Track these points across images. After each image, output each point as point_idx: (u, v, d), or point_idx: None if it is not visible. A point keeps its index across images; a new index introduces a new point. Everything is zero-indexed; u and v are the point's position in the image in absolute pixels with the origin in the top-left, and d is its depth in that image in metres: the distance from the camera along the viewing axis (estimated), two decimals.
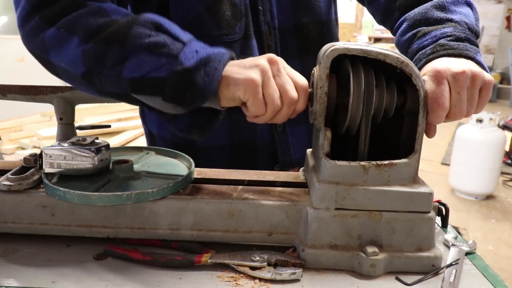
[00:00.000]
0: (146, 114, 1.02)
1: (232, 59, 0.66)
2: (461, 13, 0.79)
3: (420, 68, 0.72)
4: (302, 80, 0.65)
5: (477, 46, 0.75)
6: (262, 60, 0.64)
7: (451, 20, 0.77)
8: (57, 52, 0.67)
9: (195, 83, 0.62)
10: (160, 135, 0.98)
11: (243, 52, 0.86)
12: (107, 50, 0.63)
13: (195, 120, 0.70)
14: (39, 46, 0.68)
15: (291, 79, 0.64)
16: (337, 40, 1.00)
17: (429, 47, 0.74)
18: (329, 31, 0.97)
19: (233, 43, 0.85)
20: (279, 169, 0.95)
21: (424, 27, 0.79)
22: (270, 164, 0.96)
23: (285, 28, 0.90)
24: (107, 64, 0.64)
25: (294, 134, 0.95)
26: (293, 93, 0.63)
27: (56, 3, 0.65)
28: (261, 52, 0.88)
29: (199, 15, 0.83)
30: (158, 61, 0.63)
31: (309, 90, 0.66)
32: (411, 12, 0.84)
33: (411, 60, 0.77)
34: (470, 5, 0.82)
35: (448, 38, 0.74)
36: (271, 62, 0.64)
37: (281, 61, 0.65)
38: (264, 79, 0.62)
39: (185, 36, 0.66)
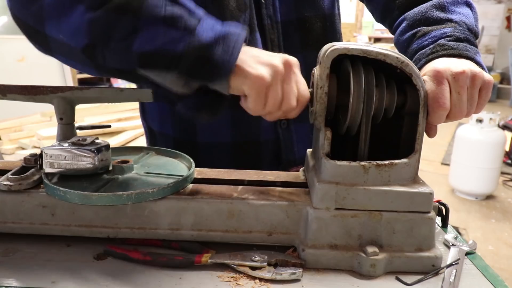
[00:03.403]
0: (148, 111, 1.01)
1: (245, 40, 0.65)
2: (461, 14, 0.79)
3: (419, 68, 0.72)
4: (305, 92, 0.65)
5: (476, 47, 0.75)
6: (278, 60, 0.63)
7: (450, 20, 0.77)
8: (55, 22, 0.62)
9: (213, 58, 0.61)
10: (161, 132, 0.98)
11: (248, 46, 0.86)
12: (117, 20, 0.60)
13: (203, 99, 0.69)
14: (34, 14, 0.63)
15: (297, 87, 0.64)
16: (340, 35, 0.99)
17: (428, 47, 0.74)
18: (332, 25, 0.96)
19: None
20: (283, 168, 0.94)
21: (423, 27, 0.79)
22: (274, 163, 0.95)
23: (288, 22, 0.89)
24: (115, 36, 0.61)
25: (298, 131, 0.94)
26: (293, 103, 0.63)
27: None
28: (264, 46, 0.87)
29: (203, 5, 0.82)
30: (174, 34, 0.61)
31: (309, 90, 0.66)
32: (411, 11, 0.84)
33: (411, 60, 0.77)
34: (469, 6, 0.82)
35: (448, 38, 0.74)
36: (286, 65, 0.63)
37: (294, 66, 0.64)
38: (272, 81, 0.62)
39: (199, 11, 0.65)
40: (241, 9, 0.83)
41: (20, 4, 0.64)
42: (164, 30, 0.61)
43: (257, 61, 0.63)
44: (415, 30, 0.80)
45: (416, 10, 0.82)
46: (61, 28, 0.62)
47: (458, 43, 0.73)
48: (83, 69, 0.69)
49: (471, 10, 0.81)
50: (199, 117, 0.70)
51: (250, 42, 0.85)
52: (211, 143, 0.91)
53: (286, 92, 0.63)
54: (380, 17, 0.95)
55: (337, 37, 0.98)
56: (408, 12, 0.84)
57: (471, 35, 0.75)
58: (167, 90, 0.67)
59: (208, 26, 0.62)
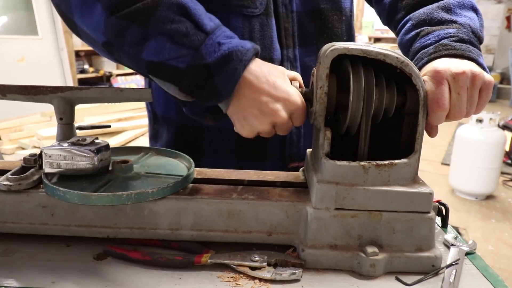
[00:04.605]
0: (153, 94, 1.00)
1: (257, 54, 0.66)
2: (466, 17, 0.79)
3: (421, 67, 0.72)
4: (296, 100, 0.67)
5: (479, 50, 0.75)
6: (280, 102, 0.65)
7: (455, 22, 0.77)
8: (80, 16, 0.66)
9: (213, 80, 0.63)
10: (165, 117, 0.96)
11: (263, 29, 0.85)
12: (128, 28, 0.63)
13: (207, 105, 0.71)
14: (65, 3, 0.67)
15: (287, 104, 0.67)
16: (354, 31, 0.99)
17: (431, 47, 0.74)
18: (347, 19, 0.96)
19: (252, 18, 0.83)
20: (287, 161, 0.93)
21: (427, 27, 0.79)
22: (279, 156, 0.93)
23: (304, 13, 0.89)
24: (127, 41, 0.64)
25: (306, 125, 0.94)
26: (288, 127, 0.69)
27: None
28: (278, 33, 0.87)
29: None
30: (178, 51, 0.63)
31: (307, 89, 0.67)
32: (416, 12, 0.84)
33: (413, 59, 0.77)
34: (475, 11, 0.82)
35: (451, 39, 0.74)
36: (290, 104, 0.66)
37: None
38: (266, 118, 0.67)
39: (209, 23, 0.65)
40: None
41: None
42: (169, 46, 0.62)
43: (257, 97, 0.65)
44: (419, 29, 0.80)
45: (422, 10, 0.83)
46: (85, 22, 0.66)
47: (461, 44, 0.73)
48: (108, 58, 0.73)
49: (477, 16, 0.81)
50: (204, 121, 0.72)
51: (266, 27, 0.85)
52: (215, 129, 0.89)
53: (279, 124, 0.67)
54: (387, 19, 0.96)
55: (351, 33, 0.98)
56: (414, 13, 0.84)
57: (474, 38, 0.75)
58: None
59: (213, 45, 0.63)
